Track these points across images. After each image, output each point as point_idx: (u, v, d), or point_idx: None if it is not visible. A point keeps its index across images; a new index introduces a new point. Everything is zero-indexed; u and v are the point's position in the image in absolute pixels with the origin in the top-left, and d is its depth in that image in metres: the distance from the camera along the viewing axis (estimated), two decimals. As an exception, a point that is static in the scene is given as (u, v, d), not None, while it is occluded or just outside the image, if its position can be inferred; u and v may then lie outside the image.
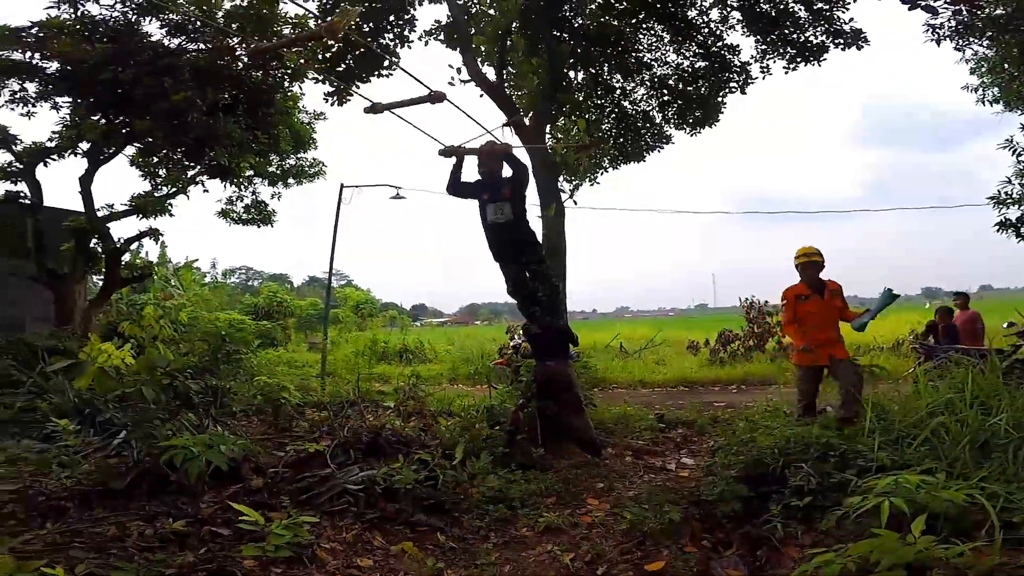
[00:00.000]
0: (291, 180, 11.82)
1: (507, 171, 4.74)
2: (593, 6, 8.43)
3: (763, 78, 8.89)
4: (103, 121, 9.07)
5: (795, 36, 8.15)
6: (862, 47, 7.73)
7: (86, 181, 9.51)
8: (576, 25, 8.21)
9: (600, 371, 10.56)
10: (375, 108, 4.70)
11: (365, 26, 8.23)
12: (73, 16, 8.49)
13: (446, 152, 4.95)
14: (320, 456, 3.96)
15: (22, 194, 9.58)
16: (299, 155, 11.60)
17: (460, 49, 7.15)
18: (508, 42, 6.98)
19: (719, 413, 6.26)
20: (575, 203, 7.45)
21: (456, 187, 4.91)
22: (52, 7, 8.37)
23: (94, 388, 4.71)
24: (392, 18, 8.57)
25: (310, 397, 6.26)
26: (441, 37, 8.61)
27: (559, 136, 6.52)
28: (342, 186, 9.76)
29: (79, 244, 10.12)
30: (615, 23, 8.56)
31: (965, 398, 3.23)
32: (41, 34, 8.22)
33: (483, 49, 6.87)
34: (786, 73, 8.61)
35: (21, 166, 9.31)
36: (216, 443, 3.27)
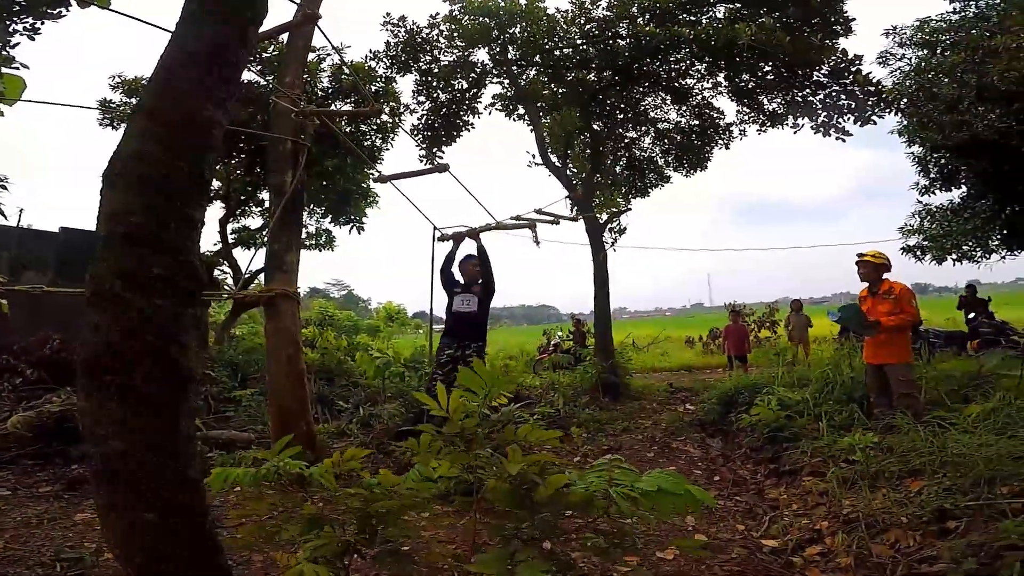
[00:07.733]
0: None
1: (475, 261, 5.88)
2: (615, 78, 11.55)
3: (740, 139, 12.18)
4: (247, 177, 12.14)
5: (764, 106, 10.92)
6: (805, 125, 10.70)
7: (224, 223, 12.75)
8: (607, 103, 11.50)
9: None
10: (381, 178, 6.08)
11: (449, 97, 11.43)
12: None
13: (444, 238, 6.23)
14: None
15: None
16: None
17: (535, 139, 10.58)
18: (571, 142, 10.46)
19: (710, 383, 9.86)
20: (615, 250, 10.99)
21: (445, 273, 5.98)
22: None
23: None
24: (466, 94, 11.83)
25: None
26: (498, 107, 11.92)
27: (600, 200, 9.87)
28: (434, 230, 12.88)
29: (209, 275, 13.49)
30: (632, 91, 11.71)
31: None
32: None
33: (549, 142, 10.19)
34: (759, 134, 11.75)
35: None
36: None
